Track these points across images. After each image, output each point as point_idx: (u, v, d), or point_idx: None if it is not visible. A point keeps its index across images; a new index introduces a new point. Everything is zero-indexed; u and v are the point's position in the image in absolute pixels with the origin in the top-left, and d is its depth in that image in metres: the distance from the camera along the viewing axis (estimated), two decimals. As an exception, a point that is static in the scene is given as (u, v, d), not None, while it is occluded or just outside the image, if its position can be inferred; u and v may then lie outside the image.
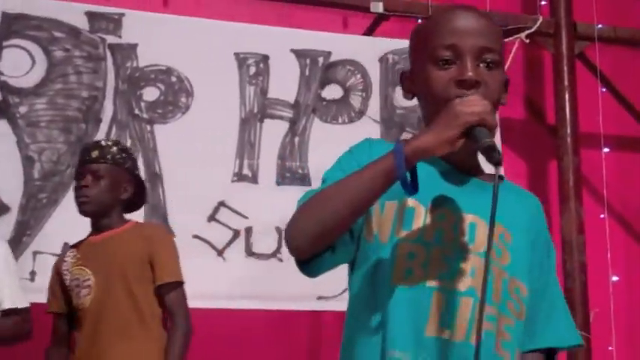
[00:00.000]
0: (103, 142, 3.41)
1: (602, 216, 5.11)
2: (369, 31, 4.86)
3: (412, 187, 1.56)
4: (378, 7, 4.70)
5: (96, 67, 4.27)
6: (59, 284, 3.36)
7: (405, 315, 1.60)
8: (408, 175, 1.55)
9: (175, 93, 4.33)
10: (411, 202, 1.64)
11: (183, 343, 3.24)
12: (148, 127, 4.27)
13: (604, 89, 5.20)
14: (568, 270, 4.79)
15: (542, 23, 4.96)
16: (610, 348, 4.85)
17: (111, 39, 4.28)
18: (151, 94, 4.32)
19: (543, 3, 5.14)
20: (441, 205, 1.65)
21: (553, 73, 5.04)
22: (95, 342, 3.23)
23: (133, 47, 4.31)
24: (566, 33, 5.00)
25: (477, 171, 1.74)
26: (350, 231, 1.63)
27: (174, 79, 4.34)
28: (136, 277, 3.25)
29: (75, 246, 3.39)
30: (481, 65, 1.65)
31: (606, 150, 5.14)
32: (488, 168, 1.66)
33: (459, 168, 1.71)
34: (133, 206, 3.45)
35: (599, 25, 5.11)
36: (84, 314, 3.25)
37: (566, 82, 4.94)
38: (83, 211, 3.32)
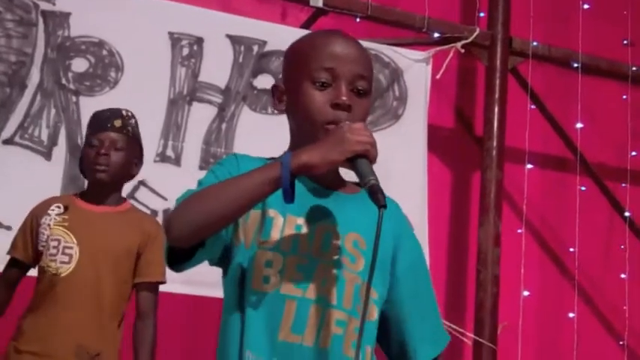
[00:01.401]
0: (124, 112, 3.33)
1: (519, 231, 5.22)
2: (307, 25, 4.89)
3: (291, 197, 1.67)
4: (318, 2, 4.73)
5: (26, 32, 4.23)
6: (32, 234, 3.24)
7: (260, 319, 1.73)
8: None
9: (105, 67, 4.31)
10: (271, 212, 1.78)
11: (154, 347, 3.23)
12: (74, 98, 4.24)
13: (533, 106, 5.30)
14: (481, 281, 4.89)
15: (478, 35, 5.04)
16: None
17: (44, 5, 4.24)
18: (80, 65, 4.28)
19: (482, 15, 5.23)
20: (298, 215, 1.79)
21: (485, 85, 5.14)
22: (54, 313, 3.14)
23: (66, 16, 4.27)
24: (502, 47, 5.10)
25: (340, 184, 1.87)
26: (220, 232, 1.74)
27: (105, 52, 4.32)
28: (126, 268, 3.21)
29: (60, 201, 3.29)
30: (353, 91, 1.80)
31: (530, 166, 5.25)
32: (349, 176, 1.82)
33: (322, 182, 1.84)
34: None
35: (535, 43, 5.22)
36: (54, 281, 3.15)
37: (496, 95, 5.04)
38: (99, 179, 3.22)
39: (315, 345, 1.74)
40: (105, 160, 3.21)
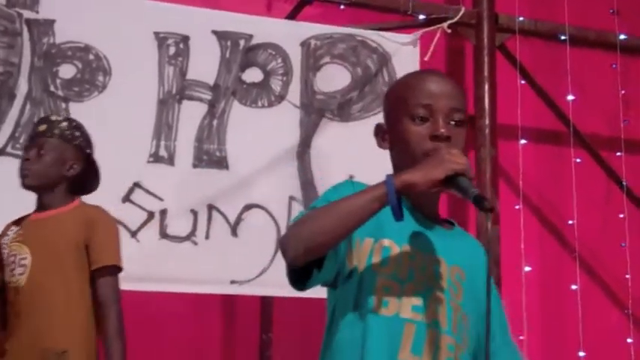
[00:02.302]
0: (53, 117, 3.38)
1: (517, 207, 5.21)
2: (292, 16, 4.88)
3: (400, 215, 1.81)
4: (302, -9, 4.73)
5: (12, 42, 4.22)
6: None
7: (380, 341, 1.88)
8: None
9: (93, 71, 4.30)
10: (386, 241, 1.93)
11: (123, 332, 3.20)
12: (64, 105, 4.24)
13: (523, 81, 5.29)
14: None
15: (464, 14, 5.03)
16: (521, 337, 4.90)
17: (28, 14, 4.24)
18: (67, 71, 4.29)
19: (466, -6, 5.22)
20: (412, 246, 1.94)
21: (474, 63, 5.12)
22: (26, 323, 3.17)
23: (51, 23, 4.27)
24: (488, 24, 5.08)
25: (437, 216, 2.05)
26: (335, 254, 1.88)
27: (91, 56, 4.32)
28: (72, 264, 3.20)
29: (18, 221, 3.33)
30: (451, 123, 1.95)
31: (523, 142, 5.24)
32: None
33: (425, 214, 2.00)
34: (82, 187, 3.39)
35: (521, 18, 5.20)
36: (17, 293, 3.19)
37: (486, 73, 5.02)
38: (23, 185, 3.28)
39: None
40: (25, 166, 3.27)
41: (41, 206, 3.31)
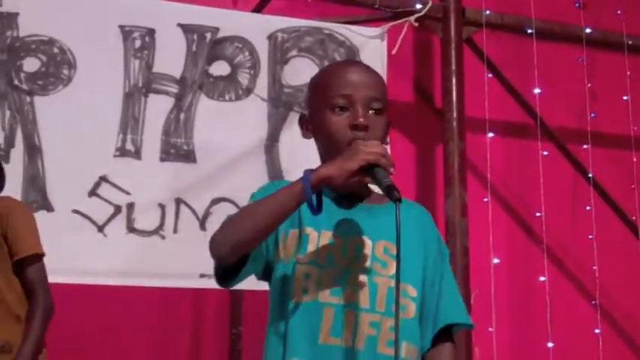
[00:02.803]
0: None
1: (485, 199, 5.22)
2: (258, 9, 4.86)
3: (317, 209, 1.87)
4: (268, -16, 4.70)
5: (-26, 36, 4.17)
6: None
7: (301, 327, 1.93)
8: (314, 198, 1.88)
9: (57, 64, 4.25)
10: (307, 229, 1.98)
11: (44, 321, 3.16)
12: (28, 99, 4.19)
13: (490, 75, 5.30)
14: (450, 252, 4.86)
15: (431, 7, 5.01)
16: (490, 329, 4.93)
17: (-10, 7, 4.19)
18: (31, 64, 4.23)
19: (433, -13, 5.21)
20: (330, 230, 1.99)
21: (441, 57, 5.11)
22: None
23: (14, 16, 4.20)
24: (455, 18, 5.06)
25: (369, 196, 2.08)
26: (261, 250, 1.96)
27: (56, 50, 4.26)
28: None
29: None
30: (370, 112, 2.00)
31: (491, 135, 5.25)
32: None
33: (351, 196, 2.05)
34: None
35: (487, 12, 5.20)
36: None
37: (453, 67, 5.01)
38: None
39: (351, 346, 1.92)
40: None
41: None
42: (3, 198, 3.35)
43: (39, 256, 3.23)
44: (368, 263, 1.98)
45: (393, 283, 1.95)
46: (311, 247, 1.97)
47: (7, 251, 3.19)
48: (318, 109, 2.04)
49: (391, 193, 1.82)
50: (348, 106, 2.00)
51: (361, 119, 1.98)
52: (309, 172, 1.87)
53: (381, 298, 1.96)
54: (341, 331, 1.92)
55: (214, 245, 1.93)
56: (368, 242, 2.00)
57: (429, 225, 2.14)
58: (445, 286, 2.08)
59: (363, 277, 1.96)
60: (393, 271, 1.96)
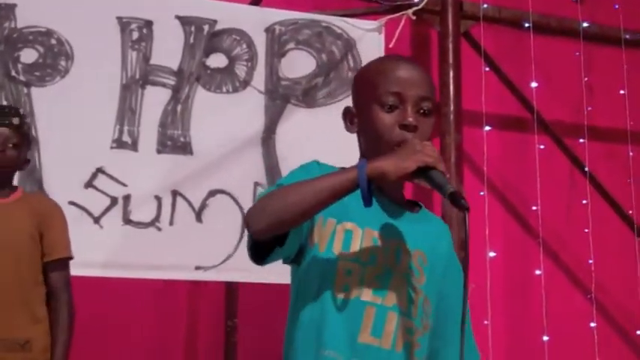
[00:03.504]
0: (21, 111, 3.37)
1: (481, 193, 5.22)
2: (256, 1, 4.85)
3: (369, 200, 1.81)
4: (266, -23, 4.69)
5: (-28, 26, 4.17)
6: None
7: (341, 323, 1.89)
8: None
9: (55, 56, 4.25)
10: (349, 224, 1.94)
11: (71, 323, 3.24)
12: (25, 90, 4.19)
13: (487, 68, 5.31)
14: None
15: (429, 1, 5.01)
16: (486, 322, 4.94)
17: (-12, -2, 4.19)
18: (29, 55, 4.23)
19: (431, -19, 5.21)
20: (374, 229, 1.96)
21: (438, 50, 5.11)
22: None
23: (12, 7, 4.20)
24: (452, 11, 5.06)
25: (402, 199, 2.06)
26: (299, 231, 1.89)
27: (53, 41, 4.26)
28: (25, 255, 3.20)
29: None
30: (419, 112, 1.95)
31: (488, 128, 5.25)
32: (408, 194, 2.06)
33: (390, 197, 2.01)
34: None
35: (485, 5, 5.21)
36: None
37: (450, 60, 5.01)
38: None
39: (391, 348, 1.90)
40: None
41: None
42: (41, 196, 3.43)
43: (68, 260, 3.30)
44: (407, 270, 1.95)
45: (423, 295, 1.95)
46: (354, 244, 1.93)
47: (40, 251, 3.23)
48: (367, 104, 1.99)
49: (458, 201, 1.78)
50: (398, 104, 1.95)
51: (411, 119, 1.93)
52: (365, 162, 1.82)
53: (415, 307, 1.94)
54: (382, 331, 1.90)
55: (253, 218, 1.84)
56: (407, 248, 1.97)
57: (450, 246, 2.10)
58: (468, 328, 2.05)
59: (403, 282, 1.94)
60: (424, 282, 1.96)
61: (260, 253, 1.90)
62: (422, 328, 1.95)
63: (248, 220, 1.85)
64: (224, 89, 4.52)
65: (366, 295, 1.90)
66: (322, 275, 1.91)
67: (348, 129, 2.05)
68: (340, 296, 1.90)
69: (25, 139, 3.34)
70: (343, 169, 1.87)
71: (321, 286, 1.91)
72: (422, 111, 1.96)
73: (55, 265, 3.26)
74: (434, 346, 2.02)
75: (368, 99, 1.99)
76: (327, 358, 1.87)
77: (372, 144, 1.98)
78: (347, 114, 2.06)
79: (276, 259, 1.91)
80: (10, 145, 3.26)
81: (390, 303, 1.92)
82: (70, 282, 3.29)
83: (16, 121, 3.28)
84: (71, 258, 3.31)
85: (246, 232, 1.94)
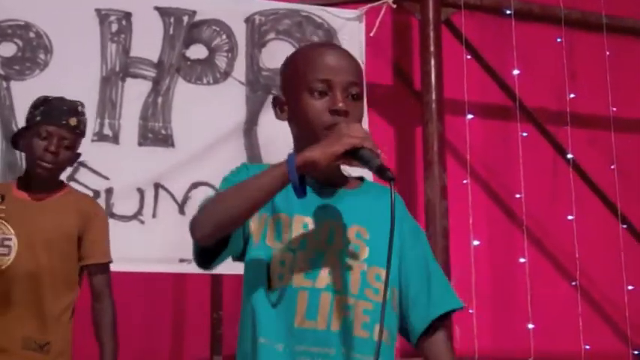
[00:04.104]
0: (80, 109, 3.29)
1: (465, 181, 5.27)
2: (235, -8, 4.87)
3: (301, 191, 1.87)
4: (245, -33, 4.72)
5: (-50, 21, 4.19)
6: None
7: (277, 311, 1.94)
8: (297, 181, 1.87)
9: (34, 49, 4.29)
10: (281, 215, 1.99)
11: (115, 326, 3.28)
12: (4, 84, 4.23)
13: (469, 56, 5.35)
14: (430, 234, 4.94)
15: (409, -12, 5.06)
16: (471, 311, 4.98)
17: (-35, -8, 4.21)
18: (7, 49, 4.26)
19: (411, -32, 5.25)
20: (303, 214, 2.00)
21: (419, 38, 5.16)
22: (6, 309, 3.13)
23: (-10, 1, 4.24)
24: (433, -1, 5.11)
25: (343, 181, 2.09)
26: (240, 229, 1.95)
27: (32, 34, 4.30)
28: (61, 253, 3.19)
29: (0, 193, 3.24)
30: (348, 97, 2.00)
31: (470, 116, 5.30)
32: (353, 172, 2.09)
33: (326, 182, 2.05)
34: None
35: (466, -8, 5.25)
36: None
37: (432, 49, 5.07)
38: (42, 175, 3.21)
39: (327, 328, 1.94)
40: (53, 159, 3.20)
41: (32, 187, 3.24)
42: (86, 197, 3.42)
43: (108, 265, 3.31)
44: (341, 247, 1.99)
45: (366, 267, 1.99)
46: (284, 233, 1.99)
47: (76, 253, 3.23)
48: (296, 92, 2.04)
49: (384, 173, 1.83)
50: (327, 90, 2.00)
51: (341, 104, 1.98)
52: (293, 155, 1.87)
53: (354, 282, 1.97)
54: (316, 314, 1.94)
55: (196, 226, 1.91)
56: (340, 226, 2.01)
57: (400, 208, 2.10)
58: (433, 273, 2.09)
59: (336, 261, 1.98)
60: (365, 255, 2.00)
61: (206, 257, 1.96)
62: (369, 301, 1.97)
63: (192, 229, 1.91)
64: (204, 80, 4.57)
65: (298, 280, 1.95)
66: (257, 268, 1.97)
67: (279, 117, 2.09)
68: (274, 286, 1.94)
69: (79, 138, 3.28)
70: (274, 165, 1.91)
71: (256, 278, 1.96)
72: (351, 96, 2.01)
73: (97, 269, 3.27)
74: (403, 308, 2.06)
75: (297, 87, 2.03)
76: (262, 345, 1.93)
77: (304, 131, 2.01)
78: (277, 102, 2.09)
79: (224, 259, 1.98)
80: (64, 147, 3.21)
81: (322, 284, 1.95)
82: (111, 286, 3.31)
83: (73, 121, 3.22)
84: (110, 262, 3.32)
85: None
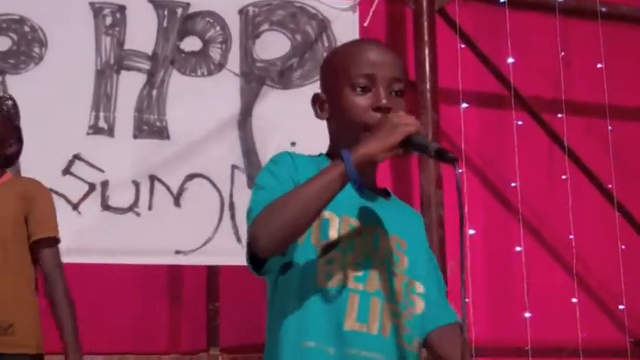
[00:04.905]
0: (0, 93, 3.42)
1: (460, 170, 5.31)
2: (229, -17, 4.96)
3: (360, 189, 1.89)
4: (237, -40, 4.80)
5: (-56, 15, 4.27)
6: None
7: (325, 312, 1.93)
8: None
9: (28, 43, 4.38)
10: (326, 214, 1.96)
11: (72, 302, 3.33)
12: (0, 78, 4.32)
13: (463, 45, 5.42)
14: (426, 225, 5.00)
15: (403, -22, 5.14)
16: (467, 300, 4.97)
17: (-41, -14, 4.30)
18: (2, 43, 4.36)
19: (405, -42, 5.33)
20: (351, 216, 2.00)
21: (413, 28, 5.23)
22: None
23: (-17, -4, 4.33)
24: (427, -12, 5.19)
25: (375, 186, 2.10)
26: None
27: (27, 28, 4.40)
28: (11, 237, 3.29)
29: None
30: (392, 93, 2.01)
31: (465, 105, 5.37)
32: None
33: (367, 185, 2.02)
34: (10, 163, 3.49)
35: (460, -19, 5.33)
36: None
37: (426, 38, 5.15)
38: None
39: (378, 333, 1.95)
40: None
41: None
42: (28, 180, 3.50)
43: (56, 240, 3.39)
44: (386, 255, 2.00)
45: (406, 278, 2.01)
46: (332, 232, 1.97)
47: (26, 234, 3.33)
48: (338, 88, 2.02)
49: (445, 155, 1.84)
50: (370, 86, 1.99)
51: (384, 101, 1.97)
52: (348, 153, 1.86)
53: (398, 291, 1.99)
54: (367, 317, 1.94)
55: (260, 242, 1.87)
56: (384, 234, 2.02)
57: (423, 232, 2.16)
58: (443, 292, 2.14)
59: (383, 267, 1.99)
60: (405, 266, 2.02)
61: (257, 262, 1.93)
62: (408, 312, 2.00)
63: (254, 241, 1.87)
64: (199, 72, 4.66)
65: (349, 282, 1.94)
66: (303, 266, 1.95)
67: (319, 116, 2.08)
68: (323, 285, 1.94)
69: (3, 124, 3.38)
70: (329, 167, 1.89)
71: (303, 276, 1.95)
72: (394, 92, 2.00)
73: (44, 244, 3.34)
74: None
75: (339, 83, 2.02)
76: (311, 349, 1.91)
77: (346, 128, 2.01)
78: (317, 100, 2.08)
79: (277, 266, 1.96)
80: None
81: (372, 288, 1.96)
82: (61, 261, 3.37)
83: None
84: (58, 239, 3.39)
85: (245, 238, 1.96)
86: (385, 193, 2.13)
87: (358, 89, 2.00)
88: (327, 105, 2.06)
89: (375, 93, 1.99)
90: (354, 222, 1.99)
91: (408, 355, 1.99)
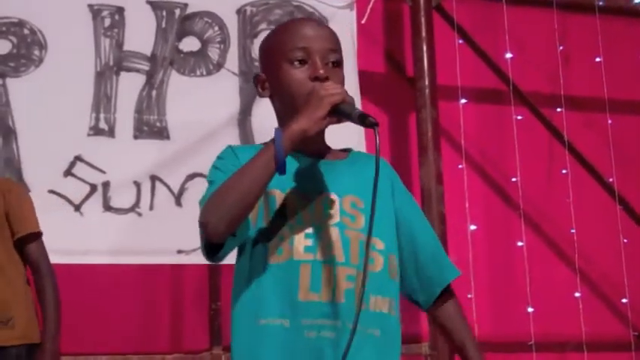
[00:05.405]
0: None
1: (460, 166, 5.38)
2: (226, -17, 5.02)
3: (282, 169, 1.94)
4: (235, -41, 4.86)
5: (-57, 19, 4.32)
6: None
7: (279, 286, 1.99)
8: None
9: (28, 46, 4.46)
10: (273, 192, 2.03)
11: (57, 295, 3.43)
12: (0, 81, 4.40)
13: (461, 41, 5.48)
14: (427, 220, 5.06)
15: (399, -25, 5.21)
16: (469, 296, 5.07)
17: (-42, -10, 4.36)
18: (2, 47, 4.44)
19: (401, -45, 5.40)
20: (297, 189, 2.06)
21: (411, 25, 5.30)
22: None
23: (-18, 0, 4.40)
24: (424, -16, 5.26)
25: (328, 152, 2.16)
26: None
27: (26, 31, 4.47)
28: None
29: None
30: (328, 64, 2.08)
31: (464, 101, 5.43)
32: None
33: (309, 152, 2.10)
34: None
35: (456, -23, 5.39)
36: None
37: (423, 34, 5.21)
38: None
39: (331, 300, 1.99)
40: None
41: None
42: (3, 179, 3.60)
43: (40, 235, 3.49)
44: (338, 218, 2.04)
45: (363, 237, 2.02)
46: (279, 208, 2.04)
47: (8, 230, 3.43)
48: (276, 65, 2.08)
49: (366, 120, 1.90)
50: (307, 58, 2.06)
51: (321, 71, 2.04)
52: (279, 132, 1.93)
53: (354, 252, 2.02)
54: (320, 286, 1.99)
55: (210, 227, 1.93)
56: (335, 198, 2.06)
57: (388, 175, 2.18)
58: (434, 242, 2.20)
59: (334, 232, 2.03)
60: (362, 224, 2.05)
61: (213, 250, 1.99)
62: (366, 272, 1.97)
63: (206, 229, 1.94)
64: (198, 72, 4.73)
65: (298, 254, 2.00)
66: (255, 247, 2.02)
67: (261, 94, 2.15)
68: (274, 262, 2.00)
69: None
70: (264, 147, 1.96)
71: (255, 257, 2.01)
72: (331, 63, 2.08)
73: (27, 240, 3.46)
74: (409, 275, 2.14)
75: (276, 59, 2.08)
76: (266, 326, 1.98)
77: (288, 102, 2.06)
78: (257, 80, 2.15)
79: (231, 249, 2.01)
80: None
81: (323, 256, 2.00)
82: (47, 255, 3.48)
83: None
84: (41, 233, 3.49)
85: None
86: (341, 154, 2.18)
87: (295, 63, 2.07)
88: (268, 83, 2.13)
89: (312, 64, 2.06)
90: (301, 194, 2.06)
91: (369, 316, 2.01)
